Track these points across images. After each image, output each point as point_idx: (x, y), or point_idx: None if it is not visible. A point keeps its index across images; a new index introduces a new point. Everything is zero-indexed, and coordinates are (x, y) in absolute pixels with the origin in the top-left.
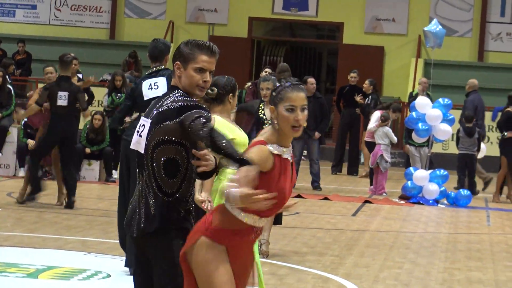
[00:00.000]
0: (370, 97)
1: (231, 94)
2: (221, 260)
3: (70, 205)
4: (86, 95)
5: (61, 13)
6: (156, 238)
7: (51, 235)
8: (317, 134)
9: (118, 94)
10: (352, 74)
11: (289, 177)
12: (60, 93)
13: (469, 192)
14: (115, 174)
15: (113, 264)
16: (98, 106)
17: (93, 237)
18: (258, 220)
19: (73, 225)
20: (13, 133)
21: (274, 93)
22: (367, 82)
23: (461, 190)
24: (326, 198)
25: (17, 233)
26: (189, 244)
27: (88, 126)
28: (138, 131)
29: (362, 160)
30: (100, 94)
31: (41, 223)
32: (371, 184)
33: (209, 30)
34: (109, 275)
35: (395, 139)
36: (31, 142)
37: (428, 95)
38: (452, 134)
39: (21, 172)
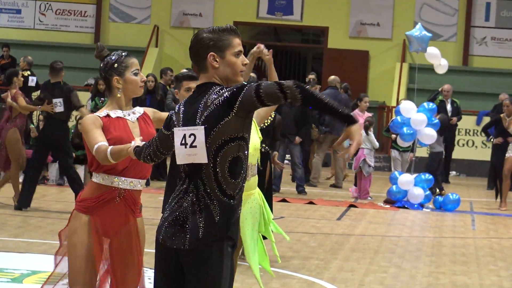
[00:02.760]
0: None
1: None
2: (81, 232)
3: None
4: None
5: (46, 17)
6: (210, 249)
7: (36, 240)
8: (297, 139)
9: (102, 98)
10: (310, 76)
11: (129, 132)
12: (55, 101)
13: (458, 196)
14: None
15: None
16: None
17: None
18: (117, 180)
19: (58, 229)
20: None
21: (116, 65)
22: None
23: (449, 194)
24: (311, 203)
25: (2, 238)
26: (69, 219)
27: (73, 131)
28: (185, 143)
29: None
30: (84, 98)
31: (26, 227)
32: (355, 184)
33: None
34: None
35: (377, 144)
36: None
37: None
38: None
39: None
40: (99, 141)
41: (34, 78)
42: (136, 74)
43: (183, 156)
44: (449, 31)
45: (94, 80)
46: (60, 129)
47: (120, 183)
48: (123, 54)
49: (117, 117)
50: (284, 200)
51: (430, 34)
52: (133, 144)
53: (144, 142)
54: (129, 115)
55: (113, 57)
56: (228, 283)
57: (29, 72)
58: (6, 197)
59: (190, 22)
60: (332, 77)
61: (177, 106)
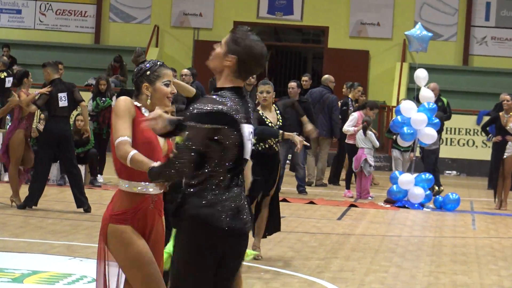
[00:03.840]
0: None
1: None
2: (133, 238)
3: (87, 205)
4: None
5: (46, 17)
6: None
7: (36, 240)
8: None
9: (103, 99)
10: (304, 78)
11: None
12: (60, 95)
13: (457, 196)
14: (100, 179)
15: None
16: None
17: (78, 241)
18: (149, 187)
19: (58, 229)
20: None
21: (148, 73)
22: (344, 85)
23: (449, 194)
24: (311, 202)
25: (2, 238)
26: (103, 234)
27: (72, 128)
28: (250, 139)
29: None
30: (85, 98)
31: (26, 227)
32: (347, 188)
33: (194, 35)
34: (94, 280)
35: (377, 143)
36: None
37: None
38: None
39: (6, 177)
40: (125, 134)
41: (11, 79)
42: (167, 85)
43: (248, 151)
44: (449, 30)
45: (95, 80)
46: (63, 125)
47: (151, 189)
48: (158, 63)
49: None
50: (284, 200)
51: (430, 34)
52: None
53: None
54: None
55: (148, 65)
56: None
57: (5, 74)
58: (7, 198)
59: (191, 22)
60: (326, 76)
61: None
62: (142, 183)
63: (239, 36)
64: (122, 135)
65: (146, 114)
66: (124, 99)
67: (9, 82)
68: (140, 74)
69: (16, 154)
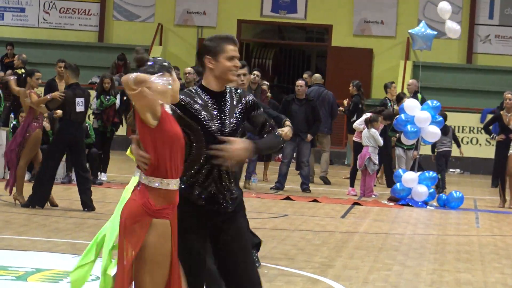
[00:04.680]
0: (353, 99)
1: None
2: (167, 241)
3: (92, 207)
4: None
5: (50, 16)
6: None
7: (40, 238)
8: (309, 137)
9: (107, 97)
10: (305, 75)
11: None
12: (78, 100)
13: (461, 194)
14: (104, 177)
15: None
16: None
17: (82, 239)
18: (178, 183)
19: (62, 227)
20: (2, 136)
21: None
22: (351, 84)
23: (453, 192)
24: (315, 200)
25: (6, 236)
26: (144, 231)
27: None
28: None
29: (347, 161)
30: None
31: (30, 225)
32: (351, 186)
33: (197, 33)
34: (98, 278)
35: (381, 142)
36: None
37: (415, 95)
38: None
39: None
40: None
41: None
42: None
43: None
44: None
45: (99, 79)
46: (78, 131)
47: (181, 184)
48: (164, 64)
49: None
50: (288, 198)
51: (435, 32)
52: None
53: None
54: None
55: (150, 63)
56: None
57: (23, 70)
58: (10, 196)
59: (194, 20)
60: (317, 75)
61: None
62: (173, 180)
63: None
64: None
65: (167, 108)
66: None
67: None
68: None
69: (32, 152)
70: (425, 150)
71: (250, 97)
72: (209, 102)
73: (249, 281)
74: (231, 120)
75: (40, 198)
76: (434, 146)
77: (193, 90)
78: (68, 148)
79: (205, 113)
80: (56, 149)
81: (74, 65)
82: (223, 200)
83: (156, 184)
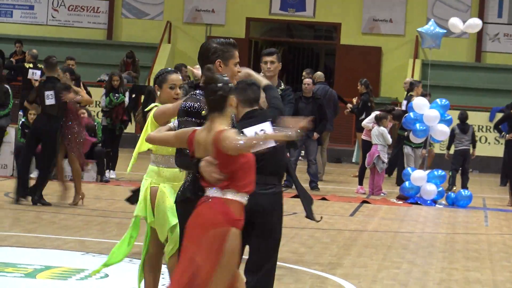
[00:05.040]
0: (362, 97)
1: None
2: (239, 250)
3: (36, 201)
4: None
5: (59, 13)
6: None
7: (49, 235)
8: (315, 135)
9: (116, 94)
10: (304, 73)
11: None
12: (47, 93)
13: (469, 192)
14: (113, 174)
15: None
16: (96, 106)
17: (91, 237)
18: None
19: (70, 225)
20: (11, 133)
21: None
22: (359, 83)
23: (461, 190)
24: (324, 198)
25: (15, 233)
26: (224, 239)
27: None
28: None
29: (354, 159)
30: (98, 94)
31: (39, 223)
32: (360, 184)
33: (206, 31)
34: (107, 275)
35: (389, 140)
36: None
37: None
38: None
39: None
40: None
41: (37, 72)
42: (171, 88)
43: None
44: None
45: (108, 76)
46: (49, 124)
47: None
48: (169, 69)
49: None
50: (297, 196)
51: (444, 30)
52: None
53: None
54: None
55: (161, 71)
56: None
57: (31, 65)
58: None
59: (203, 18)
60: (319, 73)
61: None
62: (246, 194)
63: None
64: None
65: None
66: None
67: (34, 74)
68: (155, 77)
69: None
70: (434, 148)
71: None
72: None
73: None
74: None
75: (22, 191)
76: (451, 142)
77: (198, 94)
78: (39, 139)
79: None
80: (29, 141)
81: (50, 59)
82: None
83: (233, 197)
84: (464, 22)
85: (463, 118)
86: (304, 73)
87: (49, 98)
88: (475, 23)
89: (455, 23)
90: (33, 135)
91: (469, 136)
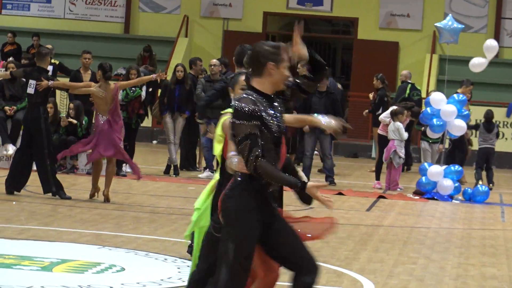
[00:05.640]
0: (379, 92)
1: None
2: None
3: (63, 196)
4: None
5: (76, 7)
6: None
7: (66, 229)
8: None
9: (133, 88)
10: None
11: None
12: (31, 81)
13: (486, 188)
14: (129, 168)
15: (127, 258)
16: None
17: (107, 230)
18: None
19: (87, 218)
20: None
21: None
22: (375, 77)
23: (478, 186)
24: (340, 193)
25: (32, 226)
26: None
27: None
28: None
29: (373, 154)
30: None
31: (56, 216)
32: (377, 179)
33: (223, 25)
34: (123, 269)
35: (404, 136)
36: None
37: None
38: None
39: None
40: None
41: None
42: (243, 90)
43: None
44: (479, 22)
45: (126, 70)
46: (33, 112)
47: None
48: (242, 71)
49: None
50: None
51: (462, 26)
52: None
53: None
54: None
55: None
56: None
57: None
58: (36, 186)
59: (220, 12)
60: None
61: None
62: None
63: None
64: None
65: None
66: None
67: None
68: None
69: None
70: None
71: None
72: (265, 104)
73: None
74: (282, 120)
75: (16, 183)
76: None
77: (253, 96)
78: (30, 130)
79: (266, 115)
80: (23, 132)
81: (43, 49)
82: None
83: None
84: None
85: (488, 117)
86: (299, 66)
87: (30, 87)
88: (492, 45)
89: (477, 62)
90: (24, 127)
91: (494, 135)
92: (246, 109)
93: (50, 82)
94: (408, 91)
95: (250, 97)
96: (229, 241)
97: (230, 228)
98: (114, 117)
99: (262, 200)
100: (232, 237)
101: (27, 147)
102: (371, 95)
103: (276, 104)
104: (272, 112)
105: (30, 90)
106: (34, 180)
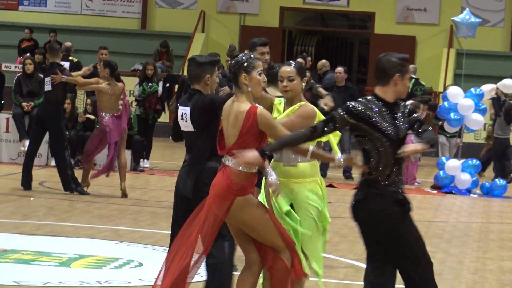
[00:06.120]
0: None
1: None
2: (258, 204)
3: (82, 192)
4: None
5: (92, 3)
6: None
7: (83, 224)
8: None
9: (149, 84)
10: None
11: None
12: (46, 79)
13: (505, 182)
14: (146, 164)
15: (145, 253)
16: (130, 95)
17: (125, 226)
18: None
19: (105, 214)
20: None
21: (245, 64)
22: None
23: (496, 180)
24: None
25: (49, 222)
26: (226, 209)
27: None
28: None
29: None
30: (131, 83)
31: (73, 212)
32: None
33: (240, 20)
34: (141, 264)
35: None
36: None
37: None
38: (485, 124)
39: (53, 162)
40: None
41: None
42: (260, 75)
43: None
44: (497, 16)
45: (142, 66)
46: (48, 109)
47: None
48: (252, 55)
49: None
50: (331, 186)
51: (479, 20)
52: (339, 157)
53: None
54: None
55: (244, 57)
56: None
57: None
58: (54, 182)
59: (237, 8)
60: (324, 61)
61: None
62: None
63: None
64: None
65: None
66: (264, 111)
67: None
68: (238, 65)
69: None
70: (468, 137)
71: (416, 116)
72: (384, 110)
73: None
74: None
75: (26, 180)
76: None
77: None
78: (42, 126)
79: (381, 120)
80: (34, 128)
81: (55, 44)
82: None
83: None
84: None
85: (509, 109)
86: (299, 59)
87: (47, 84)
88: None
89: (508, 83)
90: (37, 123)
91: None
92: (351, 106)
93: (64, 77)
94: (410, 86)
95: (364, 100)
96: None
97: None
98: (122, 115)
99: None
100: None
101: (39, 143)
102: None
103: (398, 111)
104: (389, 117)
105: (47, 87)
106: (51, 176)
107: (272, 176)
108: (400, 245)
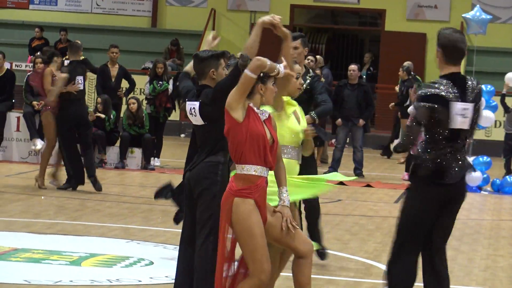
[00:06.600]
0: (404, 84)
1: None
2: (254, 213)
3: (99, 187)
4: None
5: (103, 1)
6: None
7: (94, 223)
8: (361, 122)
9: (160, 82)
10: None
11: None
12: (78, 78)
13: None
14: (157, 162)
15: (155, 252)
16: (140, 94)
17: (135, 224)
18: (265, 171)
19: (115, 212)
20: None
21: (262, 74)
22: (400, 69)
23: (507, 177)
24: (368, 185)
25: (60, 221)
26: (226, 209)
27: (125, 112)
28: (457, 114)
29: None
30: (141, 82)
31: (84, 211)
32: (406, 170)
33: (250, 18)
34: (151, 263)
35: None
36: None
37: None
38: (496, 121)
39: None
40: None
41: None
42: (273, 85)
43: (456, 122)
44: (507, 13)
45: (152, 64)
46: (80, 107)
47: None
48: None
49: (255, 112)
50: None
51: (490, 16)
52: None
53: None
54: (261, 114)
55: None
56: None
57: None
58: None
59: (247, 5)
60: (318, 57)
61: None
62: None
63: (440, 33)
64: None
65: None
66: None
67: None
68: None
69: (49, 136)
70: (479, 135)
71: None
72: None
73: None
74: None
75: (77, 179)
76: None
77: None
78: (75, 125)
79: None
80: (64, 129)
81: (75, 42)
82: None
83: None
84: None
85: None
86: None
87: (80, 83)
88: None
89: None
90: (68, 121)
91: None
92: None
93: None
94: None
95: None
96: None
97: None
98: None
99: None
100: None
101: (74, 141)
102: (396, 88)
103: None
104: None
105: (80, 86)
106: (63, 175)
107: (285, 196)
108: None
